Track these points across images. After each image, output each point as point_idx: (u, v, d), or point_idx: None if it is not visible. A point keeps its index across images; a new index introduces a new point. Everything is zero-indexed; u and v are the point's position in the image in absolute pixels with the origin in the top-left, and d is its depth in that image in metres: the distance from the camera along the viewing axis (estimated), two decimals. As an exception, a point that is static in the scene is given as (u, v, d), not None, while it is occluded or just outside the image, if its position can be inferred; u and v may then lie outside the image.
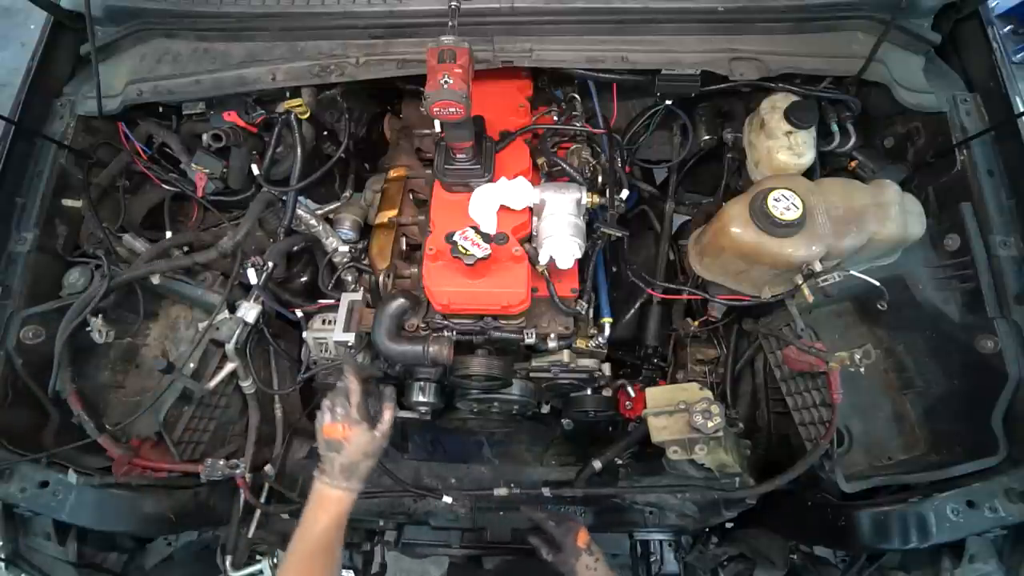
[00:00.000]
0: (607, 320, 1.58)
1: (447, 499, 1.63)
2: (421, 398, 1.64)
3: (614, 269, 1.78)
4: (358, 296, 1.51)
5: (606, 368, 1.66)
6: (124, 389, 1.55)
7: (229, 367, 1.53)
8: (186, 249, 1.63)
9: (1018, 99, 1.43)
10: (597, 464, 1.64)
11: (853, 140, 1.59)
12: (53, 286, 1.50)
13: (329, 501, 1.10)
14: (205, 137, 1.56)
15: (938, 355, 1.44)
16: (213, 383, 1.53)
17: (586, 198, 1.44)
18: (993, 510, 1.19)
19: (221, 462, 1.50)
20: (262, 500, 1.66)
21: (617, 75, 1.56)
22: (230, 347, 1.48)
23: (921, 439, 1.44)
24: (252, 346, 1.57)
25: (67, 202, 1.56)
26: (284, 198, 1.64)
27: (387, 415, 1.17)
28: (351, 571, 1.75)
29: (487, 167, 1.44)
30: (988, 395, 1.29)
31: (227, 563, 1.57)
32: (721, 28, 1.51)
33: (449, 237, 1.27)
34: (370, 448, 1.13)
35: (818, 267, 1.33)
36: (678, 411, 1.42)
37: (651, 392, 1.53)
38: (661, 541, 1.75)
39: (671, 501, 1.63)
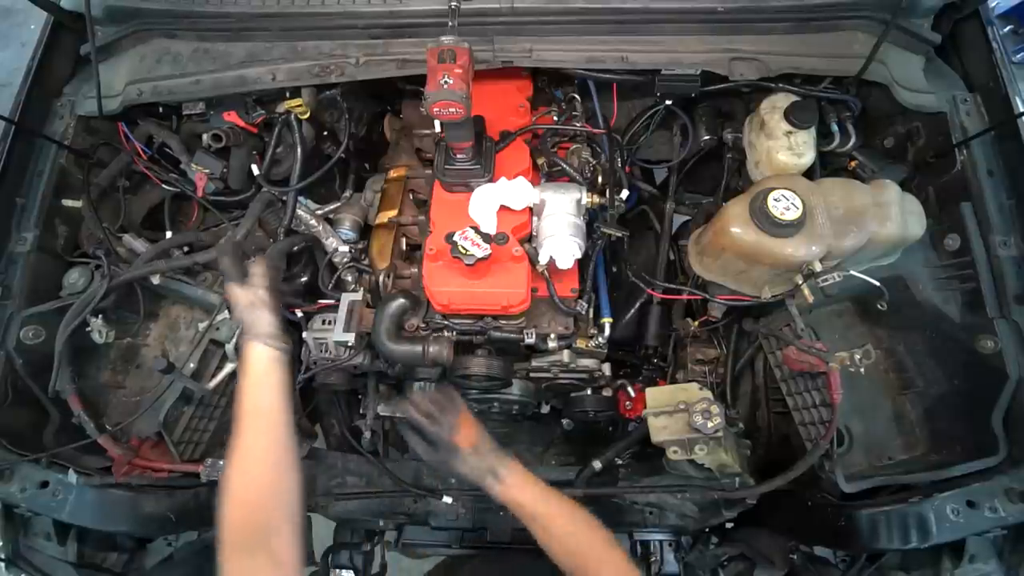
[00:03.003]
0: (607, 320, 1.58)
1: (447, 499, 1.63)
2: (421, 398, 1.64)
3: (614, 269, 1.78)
4: (358, 296, 1.51)
5: (606, 368, 1.66)
6: (124, 389, 1.55)
7: (229, 367, 1.53)
8: (186, 249, 1.63)
9: (1018, 99, 1.43)
10: (597, 464, 1.64)
11: (853, 140, 1.59)
12: (53, 286, 1.50)
13: (254, 358, 1.08)
14: (205, 137, 1.56)
15: (938, 355, 1.44)
16: (213, 383, 1.53)
17: (586, 198, 1.44)
18: (993, 510, 1.19)
19: (221, 462, 1.50)
20: (262, 500, 1.66)
21: (617, 75, 1.56)
22: (230, 347, 1.48)
23: (921, 439, 1.44)
24: (252, 346, 1.57)
25: (67, 202, 1.56)
26: (284, 198, 1.64)
27: (255, 268, 1.18)
28: (351, 571, 1.75)
29: (487, 167, 1.44)
30: (988, 395, 1.29)
31: (227, 563, 1.56)
32: (721, 28, 1.51)
33: (449, 237, 1.27)
34: (249, 298, 1.13)
35: (818, 267, 1.33)
36: (678, 411, 1.42)
37: (651, 392, 1.52)
38: (661, 541, 1.74)
39: (671, 501, 1.63)
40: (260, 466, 0.99)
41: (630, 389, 1.74)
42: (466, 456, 1.14)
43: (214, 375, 1.54)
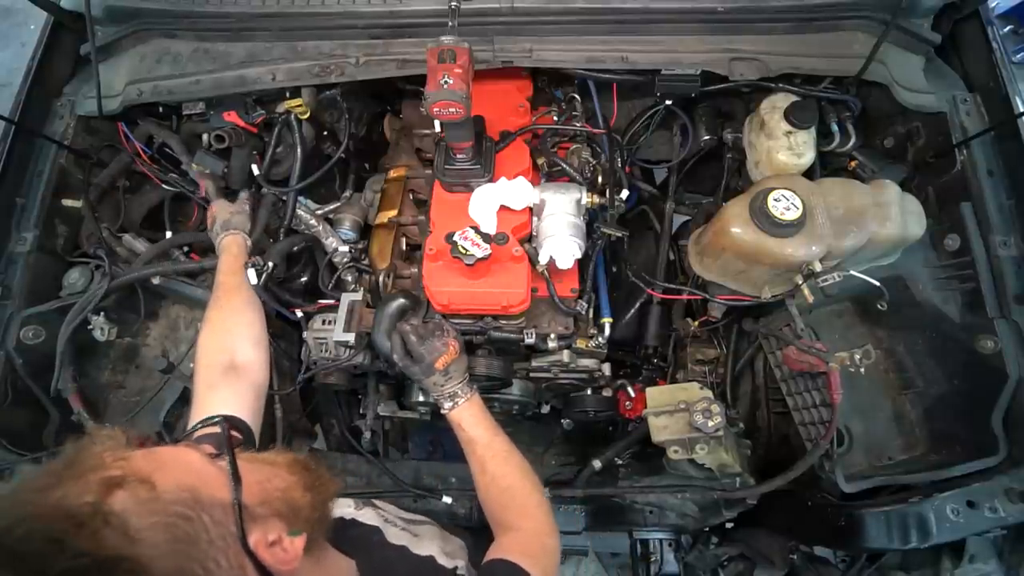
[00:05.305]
0: (607, 320, 1.58)
1: (447, 499, 1.63)
2: (421, 398, 1.64)
3: (614, 269, 1.78)
4: (358, 296, 1.51)
5: (606, 368, 1.66)
6: (124, 389, 1.55)
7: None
8: (186, 249, 1.63)
9: (1018, 99, 1.43)
10: (597, 464, 1.64)
11: (853, 140, 1.59)
12: (53, 286, 1.50)
13: (227, 244, 1.40)
14: (206, 137, 1.56)
15: (938, 355, 1.44)
16: (213, 383, 1.52)
17: (586, 198, 1.44)
18: (993, 510, 1.19)
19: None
20: (262, 500, 1.66)
21: (617, 75, 1.56)
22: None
23: (921, 439, 1.44)
24: (252, 346, 1.57)
25: (67, 202, 1.56)
26: (284, 198, 1.64)
27: (242, 195, 1.59)
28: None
29: (487, 167, 1.44)
30: (988, 395, 1.29)
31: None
32: (721, 28, 1.51)
33: (449, 237, 1.27)
34: (235, 208, 1.48)
35: (818, 267, 1.33)
36: (678, 411, 1.42)
37: (651, 392, 1.52)
38: (661, 541, 1.74)
39: (671, 501, 1.63)
40: (235, 302, 1.26)
41: (630, 389, 1.74)
42: (437, 376, 1.20)
43: (214, 375, 1.53)
